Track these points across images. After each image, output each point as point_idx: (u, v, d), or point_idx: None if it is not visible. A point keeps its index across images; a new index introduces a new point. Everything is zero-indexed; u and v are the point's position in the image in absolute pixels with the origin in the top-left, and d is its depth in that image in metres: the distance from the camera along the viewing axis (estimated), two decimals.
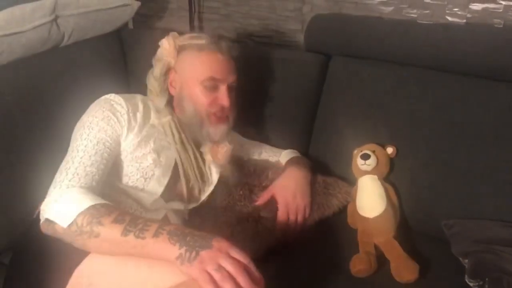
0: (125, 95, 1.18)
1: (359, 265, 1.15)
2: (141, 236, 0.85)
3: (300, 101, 1.51)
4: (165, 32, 1.26)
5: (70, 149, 1.08)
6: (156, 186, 1.15)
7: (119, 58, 1.67)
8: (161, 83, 1.24)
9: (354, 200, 1.31)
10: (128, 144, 1.13)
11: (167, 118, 1.20)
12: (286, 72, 1.53)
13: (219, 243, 0.83)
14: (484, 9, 1.50)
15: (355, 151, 1.35)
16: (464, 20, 1.54)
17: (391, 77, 1.37)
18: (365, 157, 1.28)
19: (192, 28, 1.89)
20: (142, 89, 1.31)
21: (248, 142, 1.48)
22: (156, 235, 0.85)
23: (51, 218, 0.93)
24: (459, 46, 1.34)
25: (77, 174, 1.00)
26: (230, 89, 1.23)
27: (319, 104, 1.49)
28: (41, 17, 1.34)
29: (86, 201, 0.93)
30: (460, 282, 1.09)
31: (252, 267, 0.82)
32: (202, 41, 1.22)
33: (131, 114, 1.14)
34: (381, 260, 1.19)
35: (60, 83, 1.41)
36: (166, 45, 1.23)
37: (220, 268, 0.79)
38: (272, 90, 1.54)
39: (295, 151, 1.46)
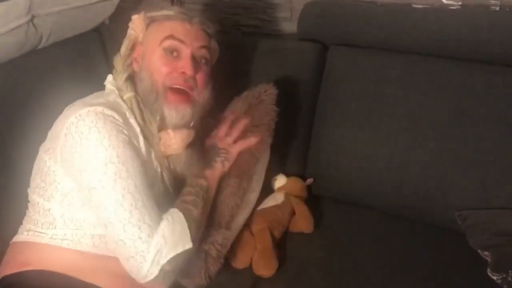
0: (99, 99, 1.05)
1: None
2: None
3: (298, 92, 1.43)
4: None
5: (107, 194, 0.94)
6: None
7: (100, 55, 1.56)
8: (125, 58, 1.13)
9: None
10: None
11: (128, 95, 1.07)
12: (281, 63, 1.46)
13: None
14: None
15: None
16: (460, 3, 1.50)
17: (394, 66, 1.32)
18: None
19: None
20: None
21: None
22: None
23: (173, 255, 0.93)
24: (458, 31, 1.31)
25: (148, 216, 0.95)
26: (196, 59, 1.09)
27: (319, 96, 1.43)
28: (16, 18, 1.21)
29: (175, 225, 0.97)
30: (481, 274, 1.08)
31: None
32: (171, 12, 1.12)
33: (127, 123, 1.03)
34: None
35: (41, 87, 1.29)
36: (135, 20, 1.14)
37: None
38: (267, 82, 1.46)
39: None
